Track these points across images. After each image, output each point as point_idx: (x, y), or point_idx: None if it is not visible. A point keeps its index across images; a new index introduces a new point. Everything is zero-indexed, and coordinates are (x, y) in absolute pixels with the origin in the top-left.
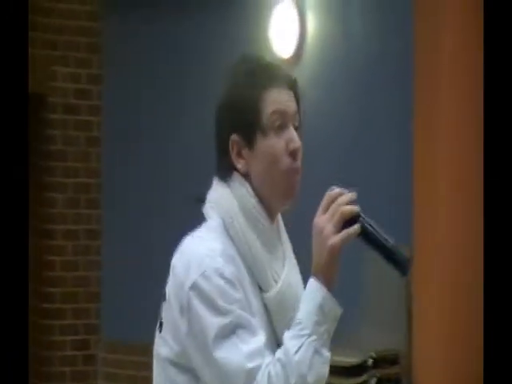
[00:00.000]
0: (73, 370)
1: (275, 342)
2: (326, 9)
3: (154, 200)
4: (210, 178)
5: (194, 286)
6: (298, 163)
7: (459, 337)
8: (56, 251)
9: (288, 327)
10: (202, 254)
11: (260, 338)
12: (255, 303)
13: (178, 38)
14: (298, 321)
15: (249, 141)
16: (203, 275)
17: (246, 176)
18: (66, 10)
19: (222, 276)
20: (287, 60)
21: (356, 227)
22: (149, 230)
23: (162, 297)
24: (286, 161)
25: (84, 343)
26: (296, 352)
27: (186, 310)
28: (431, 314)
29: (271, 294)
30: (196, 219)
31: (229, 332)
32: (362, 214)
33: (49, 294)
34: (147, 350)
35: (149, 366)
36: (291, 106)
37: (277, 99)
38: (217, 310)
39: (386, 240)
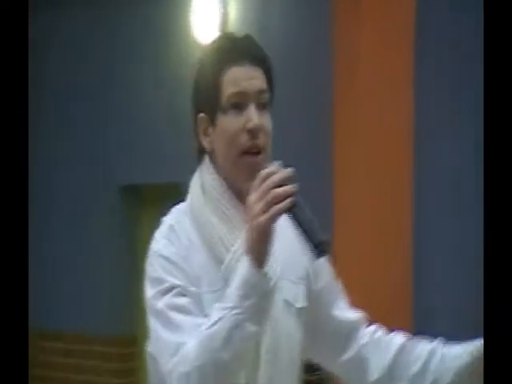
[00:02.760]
0: None
1: None
2: None
3: None
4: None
5: (145, 273)
6: (258, 142)
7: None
8: None
9: None
10: (152, 240)
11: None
12: (207, 277)
13: (102, 30)
14: (225, 295)
15: (212, 119)
16: (148, 261)
17: (213, 154)
18: None
19: (161, 256)
20: None
21: (282, 205)
22: None
23: None
24: (243, 139)
25: None
26: (213, 325)
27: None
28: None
29: (224, 264)
30: None
31: (164, 292)
32: (295, 194)
33: None
34: None
35: None
36: (254, 84)
37: (237, 78)
38: (154, 281)
39: (311, 223)
